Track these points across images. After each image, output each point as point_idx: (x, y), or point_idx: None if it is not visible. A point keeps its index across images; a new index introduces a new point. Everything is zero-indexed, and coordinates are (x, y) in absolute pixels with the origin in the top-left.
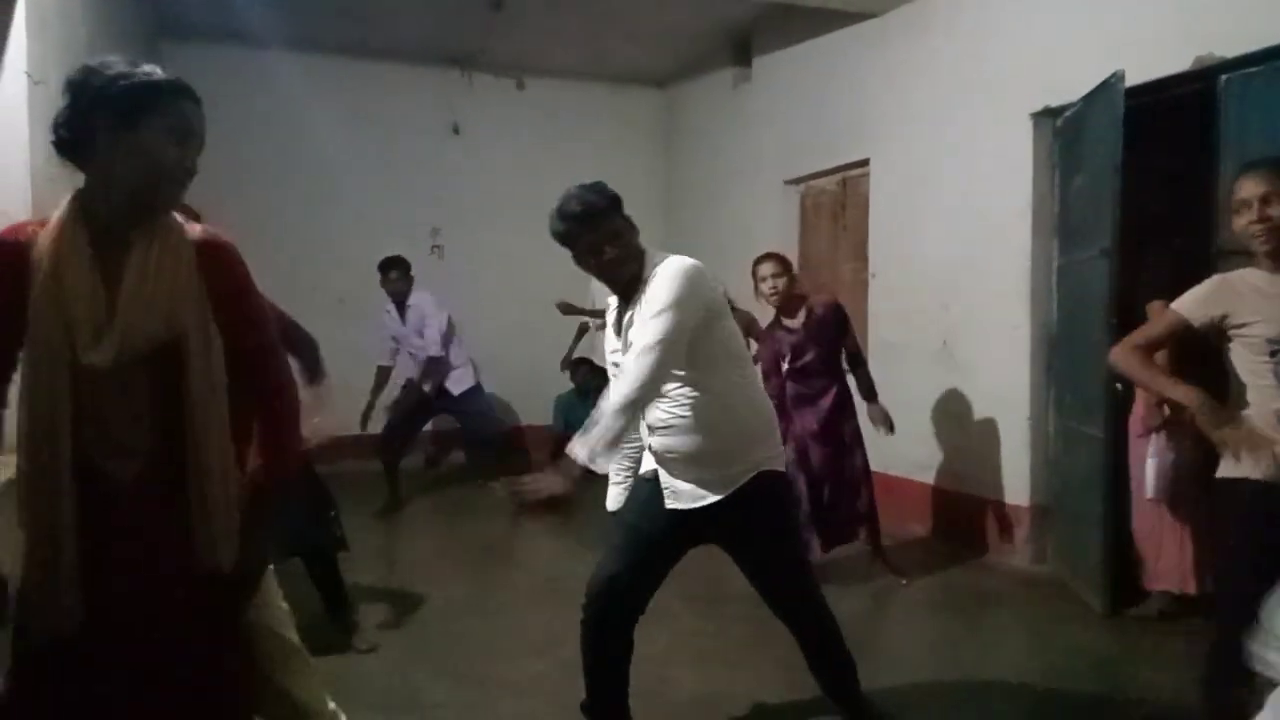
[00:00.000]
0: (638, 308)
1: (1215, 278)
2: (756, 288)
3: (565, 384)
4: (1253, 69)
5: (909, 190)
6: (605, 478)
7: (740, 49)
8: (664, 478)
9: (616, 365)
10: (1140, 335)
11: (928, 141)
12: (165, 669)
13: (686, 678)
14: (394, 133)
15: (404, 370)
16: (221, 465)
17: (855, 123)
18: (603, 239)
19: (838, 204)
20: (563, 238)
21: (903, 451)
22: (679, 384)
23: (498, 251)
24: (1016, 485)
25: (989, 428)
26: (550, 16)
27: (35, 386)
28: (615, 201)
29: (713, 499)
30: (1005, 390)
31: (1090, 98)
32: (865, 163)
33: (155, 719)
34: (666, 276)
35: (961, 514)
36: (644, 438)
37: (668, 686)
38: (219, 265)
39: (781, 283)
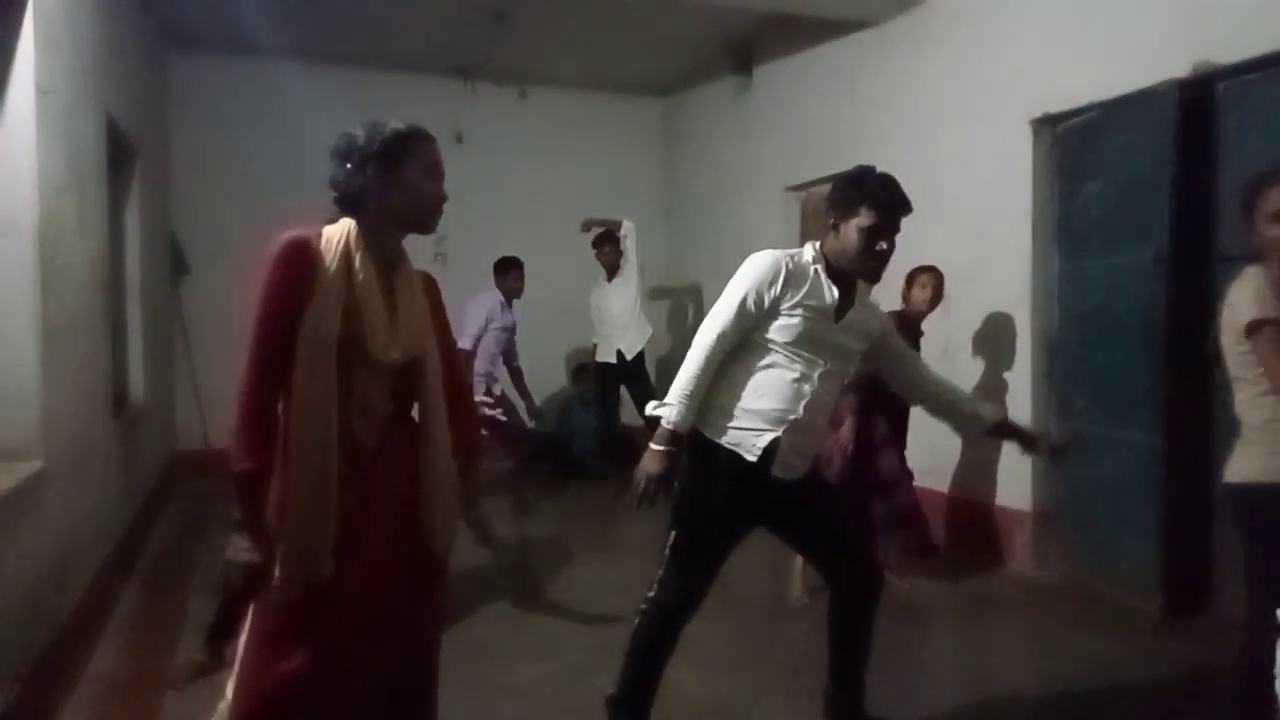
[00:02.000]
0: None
1: (1251, 270)
2: (912, 295)
3: (568, 390)
4: (1251, 76)
5: (909, 197)
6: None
7: (741, 58)
8: (784, 447)
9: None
10: None
11: (927, 149)
12: (387, 620)
13: (688, 681)
14: None
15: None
16: (444, 444)
17: (855, 130)
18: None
19: None
20: (902, 208)
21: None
22: (847, 371)
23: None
24: (1018, 491)
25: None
26: (553, 27)
27: (314, 370)
28: None
29: (797, 476)
30: (1006, 397)
31: (1117, 105)
32: None
33: (373, 663)
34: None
35: (963, 520)
36: (789, 410)
37: (670, 689)
38: (433, 292)
39: (936, 297)
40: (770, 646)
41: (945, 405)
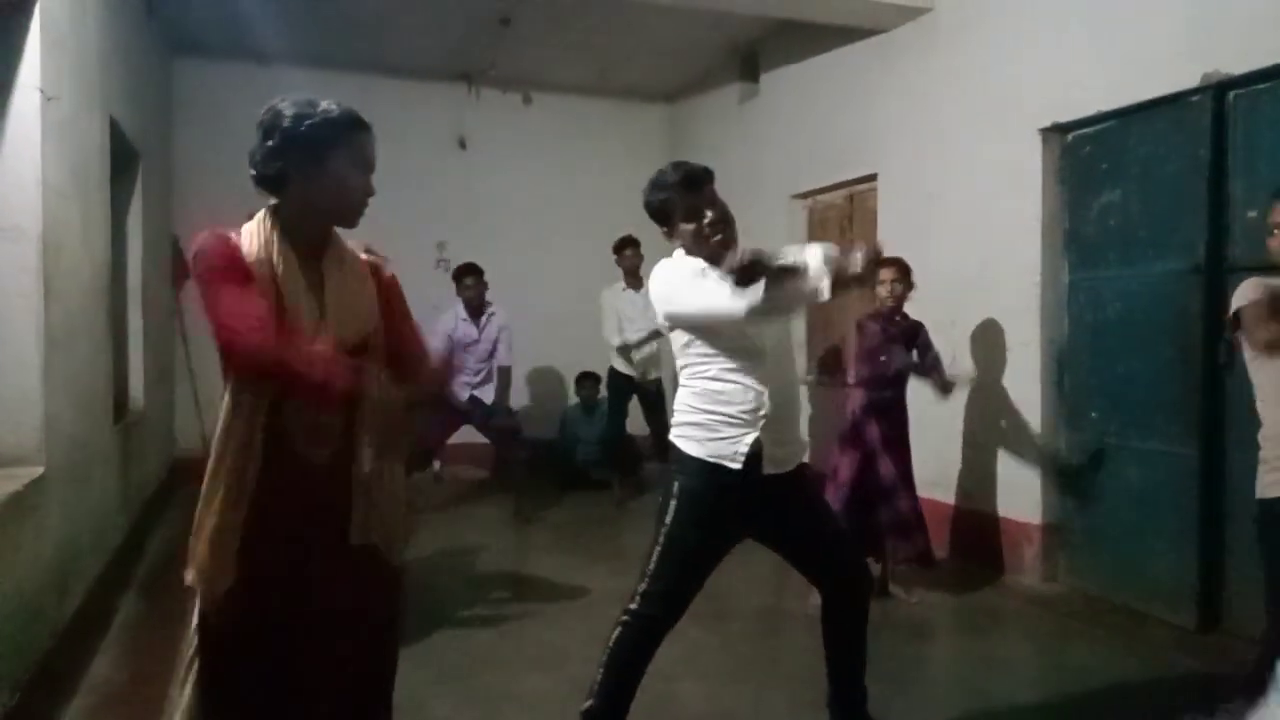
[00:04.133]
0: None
1: (1249, 280)
2: (878, 293)
3: (570, 398)
4: (1261, 86)
5: (916, 205)
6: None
7: (747, 64)
8: (767, 444)
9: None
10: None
11: (935, 157)
12: (339, 630)
13: (692, 692)
14: (400, 147)
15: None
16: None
17: (862, 138)
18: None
19: (844, 218)
20: (703, 179)
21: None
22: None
23: (503, 266)
24: (1026, 503)
25: (998, 444)
26: (558, 32)
27: (244, 376)
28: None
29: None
30: (1014, 406)
31: (1139, 112)
32: (873, 177)
33: (323, 679)
34: None
35: (969, 532)
36: (757, 406)
37: (674, 701)
38: (379, 277)
39: (900, 288)
40: (774, 658)
41: None
